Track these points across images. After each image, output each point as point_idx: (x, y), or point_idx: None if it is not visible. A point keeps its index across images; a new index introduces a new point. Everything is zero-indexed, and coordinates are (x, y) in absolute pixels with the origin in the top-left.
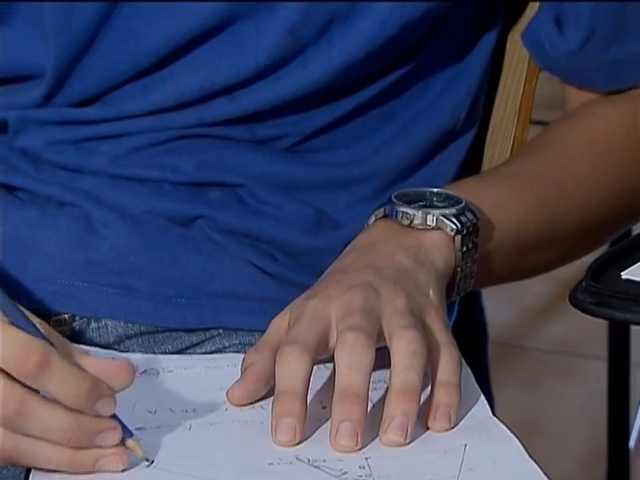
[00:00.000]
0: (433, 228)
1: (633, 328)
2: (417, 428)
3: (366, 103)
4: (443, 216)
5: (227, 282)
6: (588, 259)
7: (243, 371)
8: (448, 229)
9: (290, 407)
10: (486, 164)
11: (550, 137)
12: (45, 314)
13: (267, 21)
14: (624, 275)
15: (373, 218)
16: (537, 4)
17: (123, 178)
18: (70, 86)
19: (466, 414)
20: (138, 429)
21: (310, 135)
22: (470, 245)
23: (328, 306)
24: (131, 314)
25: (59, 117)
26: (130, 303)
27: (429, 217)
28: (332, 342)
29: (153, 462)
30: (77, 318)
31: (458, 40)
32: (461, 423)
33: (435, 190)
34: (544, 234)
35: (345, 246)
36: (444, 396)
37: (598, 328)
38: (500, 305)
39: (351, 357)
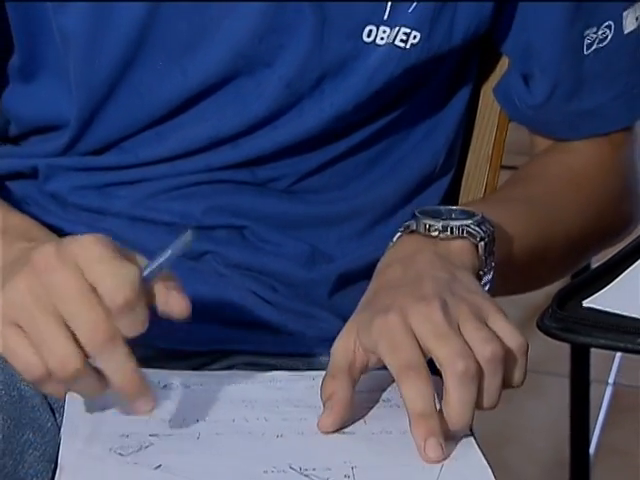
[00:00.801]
0: (457, 237)
1: (592, 349)
2: (402, 440)
3: (354, 148)
4: (466, 226)
5: (232, 309)
6: (554, 289)
7: (327, 400)
8: (472, 238)
9: (432, 427)
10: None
11: (534, 168)
12: None
13: (266, 76)
14: (585, 304)
15: (398, 234)
16: (506, 62)
17: (140, 220)
18: (91, 134)
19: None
20: (152, 435)
21: (305, 176)
22: (490, 252)
23: (408, 319)
24: (150, 338)
25: (82, 164)
26: (149, 328)
27: (454, 228)
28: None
29: (160, 466)
30: None
31: (436, 94)
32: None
33: (451, 207)
34: (537, 251)
35: (338, 278)
36: None
37: (562, 349)
38: None
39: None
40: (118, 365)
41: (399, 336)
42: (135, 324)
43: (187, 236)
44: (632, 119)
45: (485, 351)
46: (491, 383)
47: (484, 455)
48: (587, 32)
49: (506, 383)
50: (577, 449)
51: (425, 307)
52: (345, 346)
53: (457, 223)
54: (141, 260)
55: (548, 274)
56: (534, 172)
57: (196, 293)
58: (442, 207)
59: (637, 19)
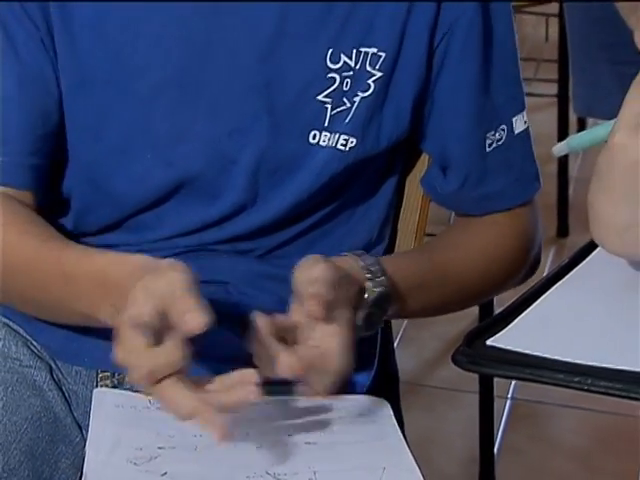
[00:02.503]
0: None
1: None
2: (354, 449)
3: (310, 226)
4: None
5: (215, 344)
6: (470, 326)
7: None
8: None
9: None
10: None
11: (445, 236)
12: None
13: (234, 171)
14: (488, 342)
15: None
16: (427, 158)
17: None
18: (95, 216)
19: (387, 444)
20: (160, 448)
21: (273, 248)
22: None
23: None
24: None
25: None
26: None
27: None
28: None
29: (166, 473)
30: (117, 374)
31: (371, 182)
32: (382, 450)
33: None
34: (431, 304)
35: None
36: None
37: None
38: (407, 357)
39: None
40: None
41: None
42: None
43: None
44: (526, 197)
45: None
46: None
47: (415, 458)
48: (487, 135)
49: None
50: (485, 449)
51: None
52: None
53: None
54: None
55: (446, 311)
56: (445, 239)
57: None
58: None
59: (525, 122)
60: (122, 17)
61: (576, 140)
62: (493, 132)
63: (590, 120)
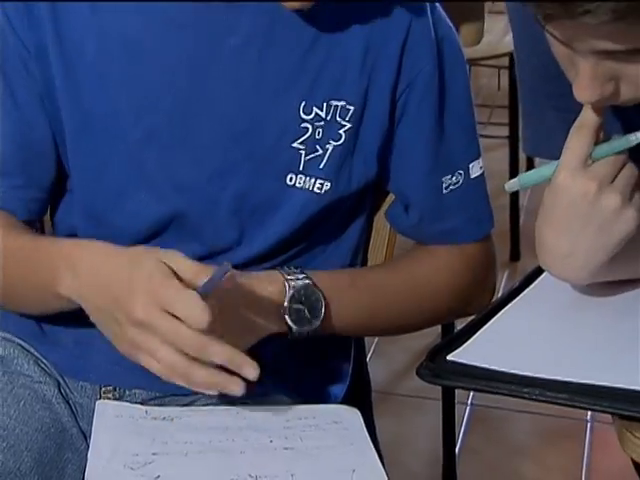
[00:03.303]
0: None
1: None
2: (326, 453)
3: (290, 257)
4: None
5: None
6: (432, 344)
7: None
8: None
9: None
10: None
11: (402, 258)
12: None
13: (215, 212)
14: (448, 358)
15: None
16: (392, 197)
17: None
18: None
19: (357, 448)
20: (154, 454)
21: None
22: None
23: None
24: (152, 385)
25: None
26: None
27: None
28: None
29: (159, 476)
30: (118, 388)
31: (343, 218)
32: (353, 454)
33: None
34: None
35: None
36: None
37: None
38: (378, 369)
39: None
40: (218, 355)
41: None
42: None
43: (226, 265)
44: (479, 235)
45: None
46: None
47: (385, 459)
48: (444, 178)
49: None
50: (447, 450)
51: None
52: None
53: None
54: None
55: (383, 329)
56: (390, 263)
57: None
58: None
59: (480, 167)
60: (121, 70)
61: (525, 179)
62: (450, 176)
63: (537, 159)
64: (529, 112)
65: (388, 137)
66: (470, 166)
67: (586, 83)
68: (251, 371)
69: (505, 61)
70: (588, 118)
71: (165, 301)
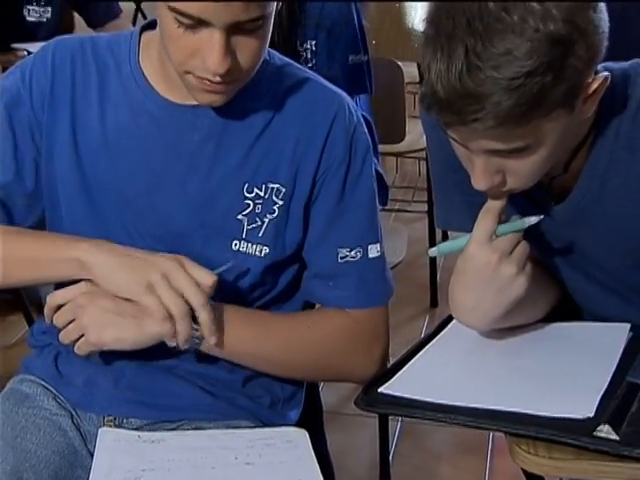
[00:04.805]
0: None
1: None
2: (283, 467)
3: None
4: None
5: (188, 398)
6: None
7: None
8: None
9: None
10: None
11: (303, 312)
12: (101, 414)
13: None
14: (379, 390)
15: None
16: None
17: None
18: None
19: (303, 463)
20: (143, 470)
21: None
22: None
23: None
24: (144, 415)
25: None
26: (144, 410)
27: None
28: None
29: None
30: (117, 417)
31: (293, 273)
32: (300, 467)
33: None
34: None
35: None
36: None
37: None
38: (329, 393)
39: None
40: (207, 312)
41: None
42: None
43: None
44: (368, 304)
45: None
46: None
47: (331, 466)
48: (339, 250)
49: None
50: (383, 456)
51: None
52: None
53: None
54: None
55: (274, 367)
56: (300, 316)
57: (168, 389)
58: None
59: (378, 251)
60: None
61: (443, 248)
62: (348, 249)
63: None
64: (439, 197)
65: (307, 212)
66: (369, 247)
67: (479, 175)
68: (213, 339)
69: (423, 154)
70: (493, 204)
71: (183, 261)
